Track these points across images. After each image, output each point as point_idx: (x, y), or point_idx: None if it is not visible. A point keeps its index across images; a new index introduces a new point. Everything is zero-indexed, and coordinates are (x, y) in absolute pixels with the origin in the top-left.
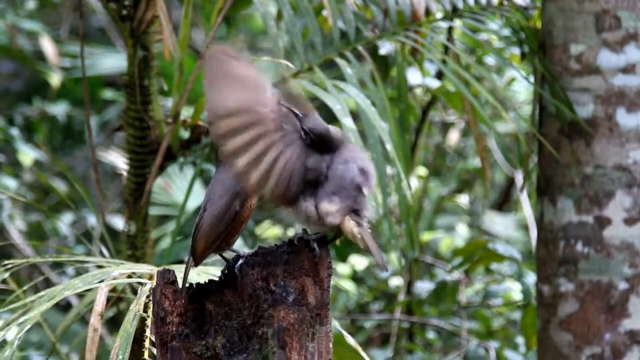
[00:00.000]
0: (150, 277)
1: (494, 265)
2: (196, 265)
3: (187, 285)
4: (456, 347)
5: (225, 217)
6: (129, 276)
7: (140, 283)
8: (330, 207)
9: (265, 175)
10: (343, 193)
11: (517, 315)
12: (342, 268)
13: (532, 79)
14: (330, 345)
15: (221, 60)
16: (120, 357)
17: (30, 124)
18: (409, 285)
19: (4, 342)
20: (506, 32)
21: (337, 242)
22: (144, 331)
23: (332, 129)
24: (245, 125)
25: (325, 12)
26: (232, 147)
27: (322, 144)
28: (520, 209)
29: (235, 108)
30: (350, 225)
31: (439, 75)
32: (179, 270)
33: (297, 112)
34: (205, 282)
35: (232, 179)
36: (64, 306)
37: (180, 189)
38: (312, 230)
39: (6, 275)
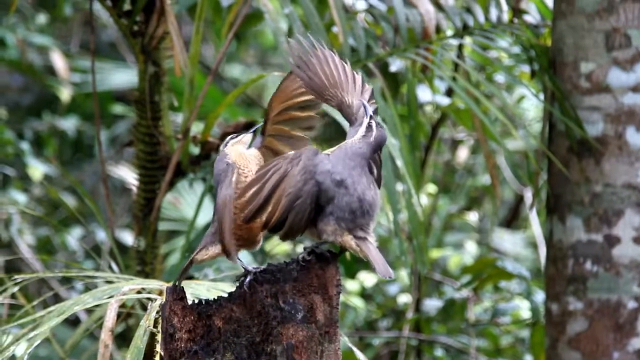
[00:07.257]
0: (160, 293)
1: (503, 283)
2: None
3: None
4: None
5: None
6: (139, 292)
7: (150, 299)
8: (327, 227)
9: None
10: (340, 216)
11: (525, 333)
12: (350, 285)
13: (542, 96)
14: None
15: None
16: None
17: (40, 138)
18: (418, 302)
19: (14, 357)
20: (516, 49)
21: (347, 256)
22: (154, 347)
23: None
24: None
25: (335, 29)
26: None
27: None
28: (529, 227)
29: None
30: (347, 239)
31: (449, 93)
32: (188, 287)
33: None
34: (214, 298)
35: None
36: (72, 321)
37: (189, 204)
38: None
39: (15, 289)
